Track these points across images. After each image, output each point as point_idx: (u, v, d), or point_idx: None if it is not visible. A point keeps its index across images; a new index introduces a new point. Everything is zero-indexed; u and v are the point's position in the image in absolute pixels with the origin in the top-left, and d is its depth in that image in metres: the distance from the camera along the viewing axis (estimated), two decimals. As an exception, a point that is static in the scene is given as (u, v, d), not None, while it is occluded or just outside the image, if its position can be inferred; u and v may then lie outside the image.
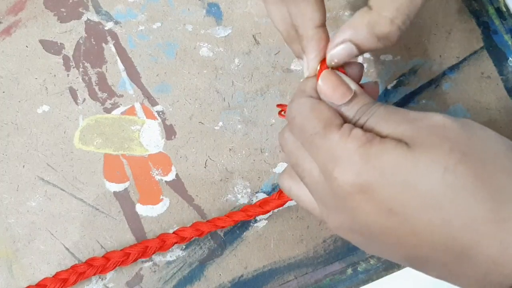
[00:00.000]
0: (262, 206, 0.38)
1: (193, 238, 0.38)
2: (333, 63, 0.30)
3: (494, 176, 0.24)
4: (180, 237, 0.38)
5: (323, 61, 0.30)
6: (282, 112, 0.34)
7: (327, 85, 0.29)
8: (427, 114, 0.26)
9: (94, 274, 0.37)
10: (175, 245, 0.38)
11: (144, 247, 0.38)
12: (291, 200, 0.38)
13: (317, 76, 0.30)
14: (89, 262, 0.38)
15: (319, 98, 0.29)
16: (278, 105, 0.34)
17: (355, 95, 0.28)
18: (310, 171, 0.28)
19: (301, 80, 0.30)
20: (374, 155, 0.25)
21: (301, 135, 0.28)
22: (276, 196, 0.37)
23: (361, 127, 0.28)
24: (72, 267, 0.38)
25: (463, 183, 0.24)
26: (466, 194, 0.23)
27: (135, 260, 0.38)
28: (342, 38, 0.29)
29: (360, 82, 0.31)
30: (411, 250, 0.25)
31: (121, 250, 0.38)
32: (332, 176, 0.26)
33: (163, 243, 0.38)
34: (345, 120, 0.28)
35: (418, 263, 0.26)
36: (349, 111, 0.28)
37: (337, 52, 0.29)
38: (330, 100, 0.29)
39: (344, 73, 0.30)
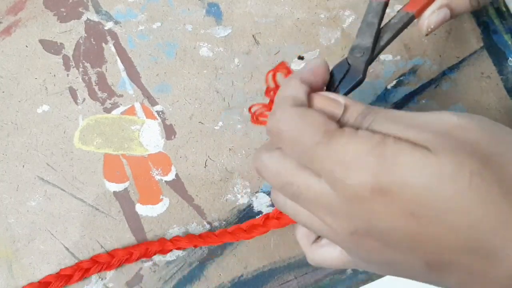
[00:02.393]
0: (248, 232, 0.38)
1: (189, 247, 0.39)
2: (429, 29, 0.33)
3: None
4: (177, 246, 0.39)
5: None
6: (257, 118, 0.32)
7: (314, 106, 0.27)
8: (440, 115, 0.25)
9: (99, 271, 0.38)
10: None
11: (145, 248, 0.38)
12: (274, 228, 0.38)
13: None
14: (94, 259, 0.38)
15: (304, 105, 0.27)
16: (250, 108, 0.32)
17: (347, 106, 0.27)
18: (308, 186, 0.26)
19: (280, 88, 0.29)
20: (392, 156, 0.24)
21: (296, 149, 0.26)
22: (261, 221, 0.37)
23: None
24: (77, 264, 0.38)
25: (490, 186, 0.23)
26: (494, 197, 0.23)
27: (138, 259, 0.38)
28: (440, 3, 0.33)
29: None
30: (432, 255, 0.24)
31: (124, 248, 0.39)
32: (345, 183, 0.24)
33: (161, 248, 0.39)
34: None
35: (438, 269, 0.25)
36: (346, 122, 0.27)
37: (434, 18, 0.33)
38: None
39: None
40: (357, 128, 0.26)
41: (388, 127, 0.25)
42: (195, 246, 0.39)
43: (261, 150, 0.29)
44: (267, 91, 0.32)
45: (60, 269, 0.38)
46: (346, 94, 0.29)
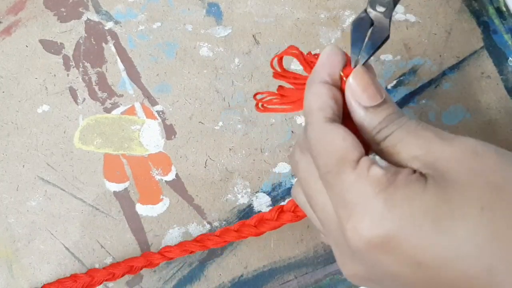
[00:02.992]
0: (258, 227, 0.36)
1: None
2: None
3: None
4: (167, 257, 0.37)
5: (345, 67, 0.28)
6: (260, 105, 0.30)
7: (357, 83, 0.26)
8: (460, 137, 0.24)
9: None
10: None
11: (129, 267, 0.37)
12: (289, 222, 0.35)
13: (341, 80, 0.27)
14: (73, 278, 0.37)
15: (333, 116, 0.26)
16: (255, 96, 0.30)
17: (384, 102, 0.26)
18: (323, 207, 0.25)
19: (305, 97, 0.27)
20: (400, 201, 0.22)
21: (317, 169, 0.25)
22: (275, 215, 0.35)
23: (384, 138, 0.25)
24: (58, 280, 0.37)
25: (503, 221, 0.21)
26: (508, 233, 0.21)
27: (122, 276, 0.37)
28: None
29: None
30: None
31: (104, 268, 0.37)
32: (345, 227, 0.23)
33: (149, 262, 0.37)
34: (366, 128, 0.26)
35: None
36: (375, 117, 0.26)
37: None
38: (357, 99, 0.26)
39: None
40: (379, 131, 0.25)
41: (408, 141, 0.24)
42: (191, 253, 0.37)
43: (297, 147, 0.28)
44: (275, 75, 0.30)
45: (43, 285, 0.38)
46: (373, 53, 0.27)
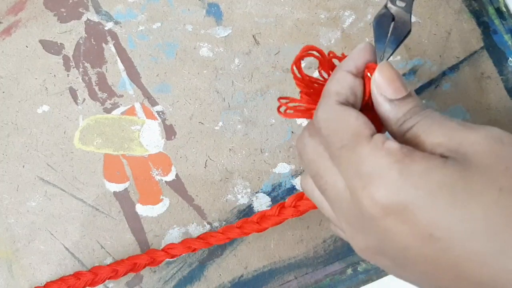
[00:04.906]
0: (260, 223, 0.36)
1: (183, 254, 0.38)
2: None
3: None
4: (170, 255, 0.37)
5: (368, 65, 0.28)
6: (281, 109, 0.30)
7: (383, 77, 0.27)
8: (485, 126, 0.24)
9: (83, 287, 0.37)
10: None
11: (133, 264, 0.37)
12: (291, 217, 0.36)
13: (362, 73, 0.28)
14: (77, 275, 0.37)
15: (347, 101, 0.27)
16: (280, 99, 0.30)
17: (409, 95, 0.27)
18: (334, 185, 0.26)
19: (328, 81, 0.28)
20: (417, 172, 0.22)
21: (328, 147, 0.26)
22: (276, 211, 0.35)
23: (408, 129, 0.26)
24: (61, 278, 0.38)
25: None
26: None
27: (125, 274, 0.37)
28: None
29: None
30: (449, 282, 0.23)
31: (108, 265, 0.37)
32: (361, 195, 0.23)
33: (152, 260, 0.37)
34: (390, 120, 0.26)
35: None
36: (400, 109, 0.26)
37: None
38: (383, 92, 0.27)
39: None
40: (402, 123, 0.26)
41: (432, 129, 0.25)
42: (194, 251, 0.37)
43: (306, 131, 0.28)
44: (297, 84, 0.30)
45: (46, 283, 0.38)
46: (396, 48, 0.28)
